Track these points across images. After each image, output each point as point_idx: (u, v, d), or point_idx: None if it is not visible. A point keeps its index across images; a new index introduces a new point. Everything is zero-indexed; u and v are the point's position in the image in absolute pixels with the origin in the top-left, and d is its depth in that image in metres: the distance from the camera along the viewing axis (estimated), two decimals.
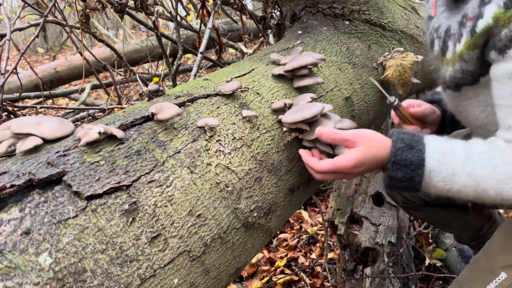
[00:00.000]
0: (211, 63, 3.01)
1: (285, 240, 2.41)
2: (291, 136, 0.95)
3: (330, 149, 0.94)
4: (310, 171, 0.91)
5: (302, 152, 0.92)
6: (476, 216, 1.44)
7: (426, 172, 0.82)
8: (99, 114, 2.99)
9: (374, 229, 1.74)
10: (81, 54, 2.27)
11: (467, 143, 0.85)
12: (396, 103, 1.12)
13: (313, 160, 0.89)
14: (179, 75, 4.37)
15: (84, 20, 1.88)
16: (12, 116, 2.07)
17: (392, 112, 1.16)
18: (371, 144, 0.86)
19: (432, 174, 0.81)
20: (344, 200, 1.89)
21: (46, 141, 0.72)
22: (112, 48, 2.71)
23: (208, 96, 0.92)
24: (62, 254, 0.57)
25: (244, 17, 2.77)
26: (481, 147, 0.83)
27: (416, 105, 1.15)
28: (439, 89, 1.24)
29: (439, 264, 1.97)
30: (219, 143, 0.83)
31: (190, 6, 3.31)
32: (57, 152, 0.68)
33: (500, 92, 0.82)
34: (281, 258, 2.24)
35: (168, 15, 2.55)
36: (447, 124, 1.18)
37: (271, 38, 2.41)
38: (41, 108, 2.47)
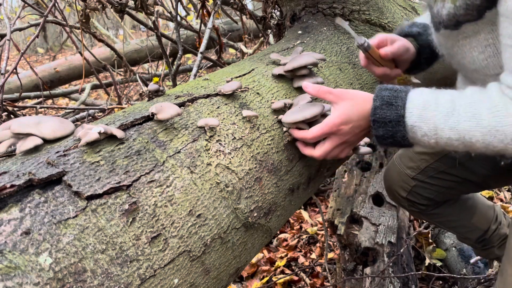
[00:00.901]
0: (211, 63, 3.01)
1: (285, 240, 2.41)
2: (291, 136, 0.95)
3: None
4: (307, 151, 0.91)
5: (292, 130, 0.92)
6: (482, 219, 1.43)
7: (408, 128, 0.80)
8: (99, 114, 2.99)
9: (374, 229, 1.74)
10: (81, 54, 2.27)
11: (458, 93, 0.80)
12: (366, 44, 1.02)
13: (302, 132, 0.89)
14: (179, 75, 4.37)
15: (84, 20, 1.88)
16: (12, 116, 2.07)
17: (361, 54, 1.08)
18: (356, 98, 0.86)
19: (414, 129, 0.80)
20: (344, 200, 1.89)
21: (46, 141, 0.72)
22: (112, 48, 2.72)
23: (208, 96, 0.92)
24: (62, 254, 0.57)
25: (244, 17, 2.78)
26: (469, 98, 0.78)
27: (389, 42, 1.07)
28: (418, 20, 1.16)
29: (439, 264, 1.97)
30: (219, 143, 0.83)
31: (190, 6, 3.31)
32: (57, 152, 0.68)
33: (510, 30, 0.73)
34: (281, 258, 2.25)
35: (168, 15, 2.55)
36: (421, 62, 1.11)
37: (271, 38, 2.41)
38: (41, 108, 2.47)
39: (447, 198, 1.37)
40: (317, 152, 0.89)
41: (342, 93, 0.87)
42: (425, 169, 1.30)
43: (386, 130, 0.82)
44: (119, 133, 0.71)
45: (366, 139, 1.07)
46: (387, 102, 0.82)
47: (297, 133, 0.91)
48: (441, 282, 1.90)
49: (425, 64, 1.12)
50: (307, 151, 0.91)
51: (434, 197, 1.34)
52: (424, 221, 2.20)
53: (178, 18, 2.33)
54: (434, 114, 0.78)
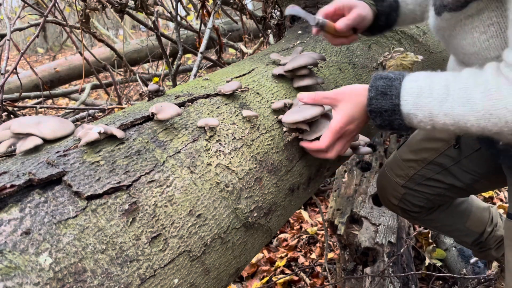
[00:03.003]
0: (211, 63, 3.01)
1: (285, 240, 2.41)
2: (291, 136, 0.95)
3: None
4: (321, 155, 0.93)
5: (303, 143, 0.94)
6: (476, 222, 1.43)
7: (404, 116, 0.81)
8: (99, 114, 2.99)
9: (374, 229, 1.74)
10: (81, 54, 2.27)
11: (453, 77, 0.79)
12: (320, 22, 1.00)
13: (314, 143, 0.91)
14: (179, 75, 4.37)
15: (84, 20, 1.88)
16: (12, 116, 2.07)
17: (313, 28, 1.04)
18: (352, 96, 0.87)
19: (410, 116, 0.81)
20: (344, 200, 1.89)
21: (46, 141, 0.72)
22: (112, 48, 2.71)
23: (208, 96, 0.92)
24: (62, 254, 0.57)
25: (244, 17, 2.77)
26: (464, 82, 0.77)
27: (346, 10, 1.04)
28: None
29: (439, 264, 1.97)
30: (219, 143, 0.83)
31: (190, 6, 3.31)
32: (57, 152, 0.68)
33: None
34: (281, 258, 2.25)
35: (168, 15, 2.55)
36: (375, 28, 1.11)
37: (271, 38, 2.41)
38: (41, 108, 2.47)
39: (438, 204, 1.37)
40: (330, 154, 0.91)
41: (337, 94, 0.88)
42: (413, 177, 1.31)
43: (383, 119, 0.83)
44: (119, 133, 0.71)
45: (366, 139, 1.07)
46: (382, 91, 0.82)
47: (310, 145, 0.93)
48: (441, 282, 1.90)
49: (377, 30, 1.12)
50: (322, 155, 0.93)
51: (425, 204, 1.34)
52: None
53: (178, 18, 2.33)
54: (429, 100, 0.79)
